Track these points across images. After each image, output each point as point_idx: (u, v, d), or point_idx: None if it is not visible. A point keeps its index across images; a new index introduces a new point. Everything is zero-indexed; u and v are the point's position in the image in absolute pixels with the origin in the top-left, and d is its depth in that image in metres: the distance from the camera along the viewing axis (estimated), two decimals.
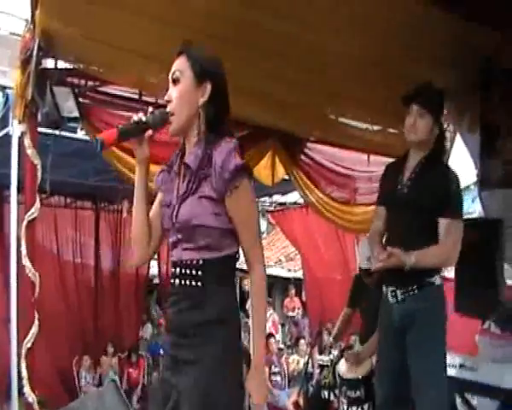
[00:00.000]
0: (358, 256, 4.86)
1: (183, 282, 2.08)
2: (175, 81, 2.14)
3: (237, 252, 2.15)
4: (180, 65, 2.15)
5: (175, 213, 2.11)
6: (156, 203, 2.28)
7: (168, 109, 2.12)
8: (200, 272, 2.06)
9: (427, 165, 3.16)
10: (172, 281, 2.13)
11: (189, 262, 2.08)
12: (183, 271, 2.08)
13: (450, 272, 4.44)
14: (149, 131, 2.13)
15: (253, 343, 2.17)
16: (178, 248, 2.11)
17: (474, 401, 4.16)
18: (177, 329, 2.12)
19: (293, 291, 13.59)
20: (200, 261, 2.07)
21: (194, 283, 2.07)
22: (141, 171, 2.21)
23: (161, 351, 9.49)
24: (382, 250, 3.17)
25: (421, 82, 3.31)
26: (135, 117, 2.10)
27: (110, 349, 9.05)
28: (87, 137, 5.05)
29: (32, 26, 3.62)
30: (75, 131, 5.52)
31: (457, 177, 3.16)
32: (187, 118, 2.13)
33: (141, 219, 2.21)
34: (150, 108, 2.14)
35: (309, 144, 5.45)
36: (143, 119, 2.10)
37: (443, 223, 3.05)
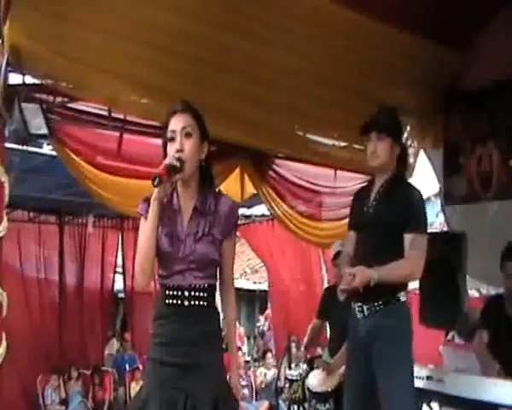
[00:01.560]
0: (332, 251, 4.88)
1: (192, 303, 2.55)
2: (187, 135, 2.54)
3: None
4: (189, 122, 2.56)
5: (189, 249, 2.56)
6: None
7: (183, 157, 2.50)
8: (206, 294, 2.58)
9: (391, 185, 3.27)
10: (178, 301, 2.55)
11: (198, 286, 2.56)
12: (193, 293, 2.55)
13: (414, 284, 4.51)
14: (178, 176, 2.53)
15: (231, 346, 2.81)
16: (187, 275, 2.56)
17: None
18: (185, 339, 2.55)
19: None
20: (206, 285, 2.58)
21: (202, 303, 2.57)
22: (158, 207, 2.52)
23: (127, 366, 9.47)
24: (349, 269, 3.23)
25: (378, 106, 3.41)
26: (172, 161, 2.47)
27: (74, 373, 8.91)
28: (53, 153, 5.01)
29: (0, 41, 3.57)
30: (41, 146, 5.47)
31: (421, 194, 3.26)
32: (194, 168, 2.58)
33: (153, 247, 2.54)
34: (177, 155, 2.49)
35: (277, 161, 5.48)
36: (177, 164, 2.48)
37: (407, 238, 3.13)
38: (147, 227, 2.54)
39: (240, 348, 10.40)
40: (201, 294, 2.57)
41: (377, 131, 3.24)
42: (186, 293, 2.56)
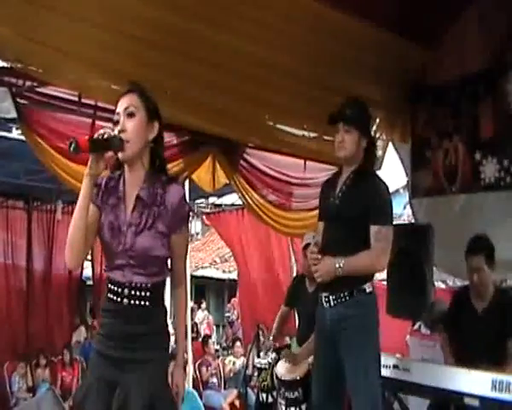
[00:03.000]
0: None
1: (132, 301, 2.40)
2: (130, 115, 2.41)
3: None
4: (133, 101, 2.43)
5: (129, 242, 2.40)
6: (90, 213, 2.42)
7: (124, 137, 2.36)
8: (148, 293, 2.42)
9: (357, 176, 3.30)
10: (118, 299, 2.42)
11: (139, 285, 2.41)
12: (134, 292, 2.40)
13: (381, 275, 4.59)
14: (111, 153, 2.39)
15: (179, 344, 2.68)
16: (127, 271, 2.41)
17: (408, 400, 4.32)
18: (125, 336, 2.41)
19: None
20: (149, 285, 2.42)
21: (143, 302, 2.41)
22: (90, 183, 2.36)
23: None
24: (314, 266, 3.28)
25: (346, 98, 3.45)
26: (105, 133, 2.31)
27: (42, 361, 8.80)
28: (21, 137, 4.96)
29: None
30: (10, 131, 5.41)
31: (386, 186, 3.30)
32: (139, 149, 2.42)
33: (82, 226, 2.37)
34: (116, 131, 2.37)
35: (248, 150, 5.51)
36: (110, 136, 2.32)
37: (372, 229, 3.17)
38: (77, 205, 2.38)
39: (209, 337, 10.44)
40: (143, 293, 2.41)
41: (344, 122, 3.27)
42: (126, 291, 2.40)
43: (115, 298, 2.42)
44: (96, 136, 2.30)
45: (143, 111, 2.43)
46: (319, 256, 3.22)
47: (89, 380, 2.49)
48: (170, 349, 2.66)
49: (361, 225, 3.18)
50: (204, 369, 8.61)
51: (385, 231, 3.19)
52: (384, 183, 3.31)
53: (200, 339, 10.27)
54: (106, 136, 2.30)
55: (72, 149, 2.22)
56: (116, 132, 2.36)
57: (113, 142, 2.33)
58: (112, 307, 2.45)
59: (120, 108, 2.43)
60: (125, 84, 4.07)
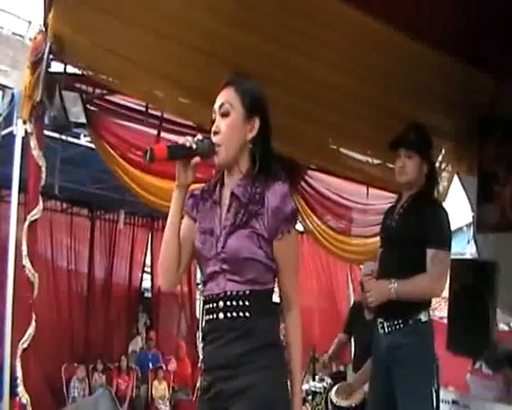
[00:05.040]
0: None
1: (228, 314, 2.04)
2: (224, 114, 2.12)
3: (274, 288, 2.15)
4: (229, 97, 2.13)
5: (221, 244, 2.07)
6: (185, 227, 2.21)
7: (215, 140, 2.09)
8: (247, 303, 2.03)
9: (416, 200, 3.27)
10: (212, 316, 2.08)
11: (234, 293, 2.04)
12: (229, 303, 2.04)
13: (441, 312, 4.47)
14: (197, 159, 2.09)
15: (295, 379, 2.16)
16: (220, 278, 2.07)
17: None
18: (224, 361, 2.04)
19: None
20: (247, 292, 2.04)
21: (241, 313, 2.03)
22: (180, 196, 2.15)
23: (150, 365, 9.46)
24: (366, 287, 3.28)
25: (407, 123, 3.42)
26: (186, 142, 2.07)
27: (99, 366, 8.95)
28: (90, 144, 5.10)
29: (44, 29, 3.66)
30: (78, 137, 5.56)
31: (446, 211, 3.24)
32: (235, 152, 2.11)
33: (175, 243, 2.15)
34: (199, 136, 2.10)
35: (309, 172, 5.49)
36: (194, 145, 2.06)
37: (429, 253, 3.11)
38: (168, 221, 2.14)
39: None
40: (241, 302, 2.03)
41: (406, 147, 3.25)
42: (221, 303, 2.04)
43: (210, 316, 2.08)
44: (181, 142, 2.08)
45: (240, 108, 2.12)
46: (373, 279, 3.19)
47: None
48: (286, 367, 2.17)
49: (417, 249, 3.12)
50: None
51: (442, 255, 3.13)
52: (443, 208, 3.28)
53: None
54: (188, 143, 2.05)
55: (147, 157, 1.98)
56: (200, 137, 2.09)
57: (200, 147, 2.07)
58: (208, 328, 2.10)
59: (216, 105, 2.15)
60: (192, 98, 4.23)
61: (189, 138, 2.08)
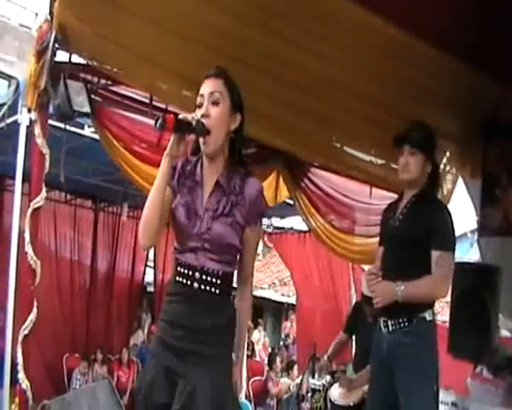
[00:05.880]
0: (362, 284, 4.86)
1: (202, 287, 2.33)
2: (215, 102, 2.33)
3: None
4: (219, 88, 2.36)
5: (205, 225, 2.34)
6: (166, 195, 2.37)
7: (206, 124, 2.29)
8: (219, 281, 2.35)
9: (419, 199, 3.26)
10: (188, 282, 2.35)
11: (210, 271, 2.34)
12: (204, 277, 2.34)
13: (442, 316, 4.46)
14: (192, 136, 2.35)
15: (240, 344, 2.53)
16: (200, 254, 2.35)
17: None
18: (192, 325, 2.34)
19: (293, 316, 13.60)
20: (220, 272, 2.35)
21: (213, 289, 2.34)
22: (169, 164, 2.32)
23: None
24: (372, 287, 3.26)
25: (411, 121, 3.43)
26: (192, 120, 2.26)
27: (99, 356, 9.02)
28: (94, 136, 5.09)
29: (49, 17, 3.67)
30: (82, 128, 5.56)
31: (449, 211, 3.23)
32: (222, 140, 2.37)
33: (158, 205, 2.32)
34: (199, 115, 2.30)
35: (312, 170, 5.48)
36: (193, 123, 2.26)
37: (434, 255, 3.10)
38: (154, 185, 2.33)
39: (276, 355, 10.56)
40: (214, 279, 2.33)
41: (410, 144, 3.23)
42: (197, 274, 2.33)
43: (185, 281, 2.35)
44: (181, 116, 2.26)
45: (228, 100, 2.36)
46: (379, 278, 3.17)
47: (151, 369, 2.41)
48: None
49: (420, 249, 3.12)
50: (270, 384, 8.72)
51: (447, 256, 3.13)
52: (447, 207, 3.26)
53: (267, 356, 10.40)
54: (190, 119, 2.26)
55: (158, 124, 2.17)
56: (199, 116, 2.29)
57: (197, 126, 2.27)
58: (180, 290, 2.37)
59: (205, 90, 2.35)
60: (196, 91, 4.21)
61: (194, 115, 2.29)
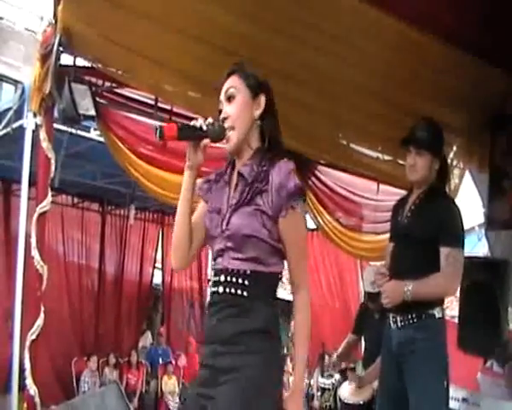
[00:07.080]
0: (363, 282, 4.85)
1: (227, 290, 2.06)
2: (230, 98, 2.16)
3: (281, 273, 2.14)
4: (233, 82, 2.18)
5: (226, 221, 2.10)
6: (199, 211, 2.26)
7: (226, 125, 2.13)
8: (246, 282, 2.05)
9: (428, 196, 3.22)
10: (215, 289, 2.11)
11: (235, 271, 2.06)
12: (229, 278, 2.06)
13: (451, 311, 4.44)
14: (207, 141, 2.12)
15: (295, 366, 2.15)
16: (225, 256, 2.09)
17: None
18: (218, 338, 2.07)
19: None
20: (248, 271, 2.05)
21: (239, 291, 2.05)
22: (191, 176, 2.18)
23: (160, 360, 9.51)
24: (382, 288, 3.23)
25: (418, 120, 3.36)
26: (196, 122, 2.10)
27: (112, 360, 8.98)
28: (100, 138, 5.10)
29: (53, 21, 3.67)
30: (88, 131, 5.56)
31: (458, 208, 3.19)
32: (245, 132, 2.16)
33: (186, 223, 2.19)
34: (210, 119, 2.12)
35: (320, 167, 5.46)
36: (204, 127, 2.09)
37: (443, 252, 3.06)
38: (179, 201, 2.18)
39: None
40: (240, 280, 2.04)
41: (416, 146, 3.21)
42: (222, 277, 2.07)
43: (214, 289, 2.12)
44: (192, 123, 2.12)
45: (245, 89, 2.17)
46: (386, 278, 3.15)
47: (186, 395, 2.20)
48: (279, 357, 2.18)
49: (429, 246, 3.08)
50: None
51: (456, 253, 3.08)
52: (455, 203, 3.22)
53: None
54: (198, 124, 2.09)
55: (157, 134, 2.02)
56: (210, 120, 2.11)
57: (211, 129, 2.10)
58: (210, 300, 2.14)
59: (221, 95, 2.19)
60: (201, 91, 4.22)
61: (200, 119, 2.10)
